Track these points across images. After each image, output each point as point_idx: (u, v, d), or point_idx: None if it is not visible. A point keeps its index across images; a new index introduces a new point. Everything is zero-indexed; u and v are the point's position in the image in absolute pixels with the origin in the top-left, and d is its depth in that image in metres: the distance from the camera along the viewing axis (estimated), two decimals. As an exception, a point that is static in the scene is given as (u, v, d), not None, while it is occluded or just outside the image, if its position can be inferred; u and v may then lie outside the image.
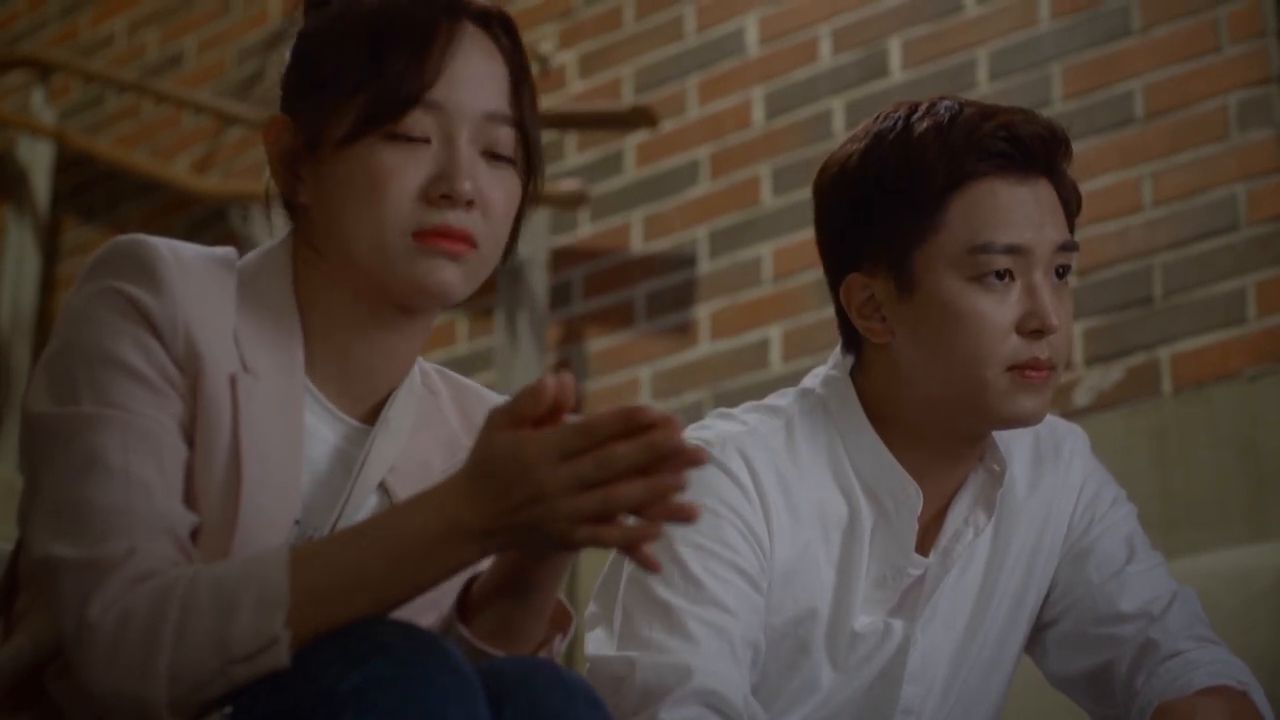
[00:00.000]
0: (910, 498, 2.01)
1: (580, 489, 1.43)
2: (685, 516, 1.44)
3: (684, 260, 4.24)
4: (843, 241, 2.03)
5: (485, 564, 1.62)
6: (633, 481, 1.43)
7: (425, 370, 1.79)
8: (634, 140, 4.38)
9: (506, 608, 1.62)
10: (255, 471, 1.60)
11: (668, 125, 4.32)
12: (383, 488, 1.70)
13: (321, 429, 1.68)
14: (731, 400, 2.52)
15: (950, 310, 1.95)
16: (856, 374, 2.05)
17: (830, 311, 2.08)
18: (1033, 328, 1.95)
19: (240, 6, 5.35)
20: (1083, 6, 3.80)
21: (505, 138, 1.68)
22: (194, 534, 1.57)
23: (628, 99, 4.41)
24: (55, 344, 1.62)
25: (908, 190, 1.96)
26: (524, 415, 1.45)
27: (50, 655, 1.59)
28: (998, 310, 1.95)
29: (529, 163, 1.71)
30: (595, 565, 2.17)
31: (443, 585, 1.54)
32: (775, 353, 4.03)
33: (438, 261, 1.64)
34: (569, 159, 4.47)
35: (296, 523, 1.64)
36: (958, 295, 1.95)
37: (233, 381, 1.62)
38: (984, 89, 3.84)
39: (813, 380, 2.09)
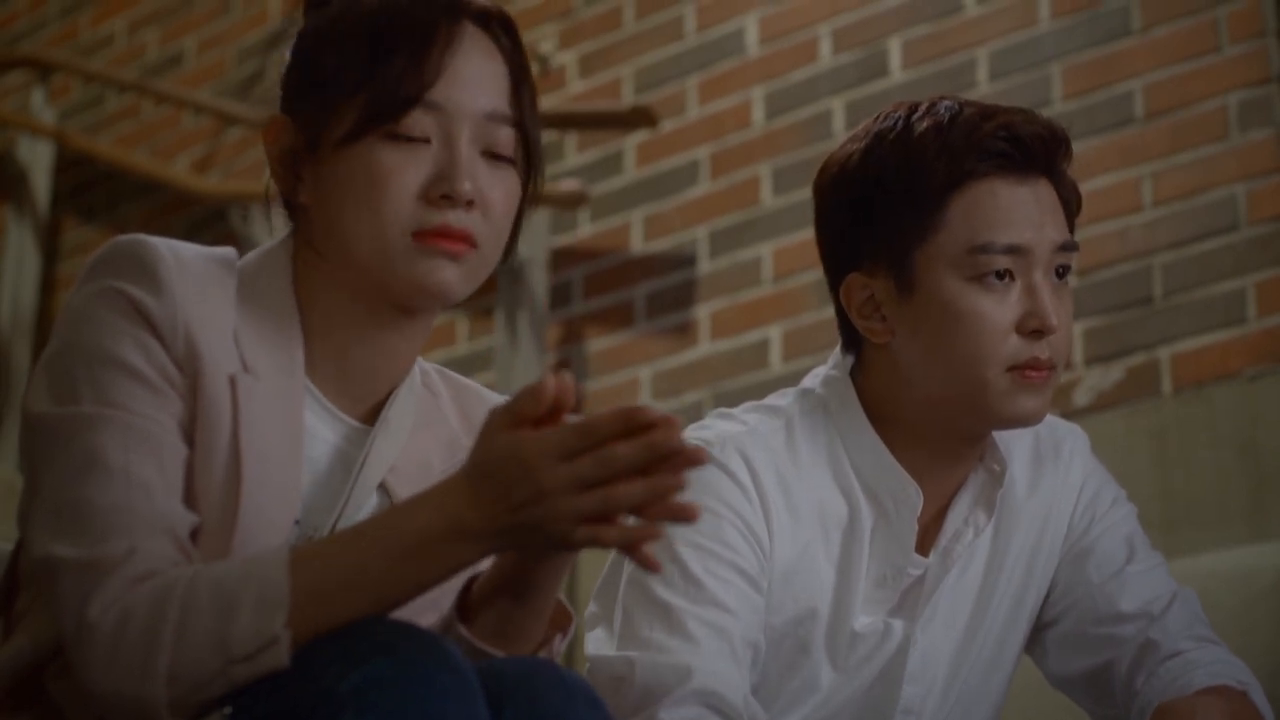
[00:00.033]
0: (910, 498, 2.01)
1: (580, 489, 1.43)
2: (685, 516, 1.45)
3: (684, 260, 4.24)
4: (843, 241, 2.03)
5: (485, 564, 1.62)
6: (632, 482, 1.43)
7: (425, 370, 1.79)
8: (634, 140, 4.38)
9: (506, 608, 1.62)
10: (255, 471, 1.60)
11: (668, 125, 4.32)
12: (383, 488, 1.70)
13: (321, 429, 1.68)
14: (731, 400, 2.53)
15: (950, 310, 1.95)
16: (856, 374, 2.05)
17: (830, 311, 2.08)
18: (1033, 328, 1.95)
19: (240, 6, 5.35)
20: (1083, 6, 3.81)
21: (505, 138, 1.68)
22: (194, 534, 1.57)
23: (628, 99, 4.41)
24: (55, 344, 1.62)
25: (908, 190, 1.96)
26: (524, 415, 1.45)
27: (50, 655, 1.59)
28: (998, 310, 1.95)
29: (529, 163, 1.71)
30: (595, 565, 2.17)
31: (443, 585, 1.54)
32: (775, 353, 4.03)
33: (437, 261, 1.64)
34: (569, 159, 4.47)
35: (296, 523, 1.64)
36: (958, 295, 1.95)
37: (232, 381, 1.62)
38: (984, 89, 3.84)
39: (813, 380, 2.09)
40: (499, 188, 1.67)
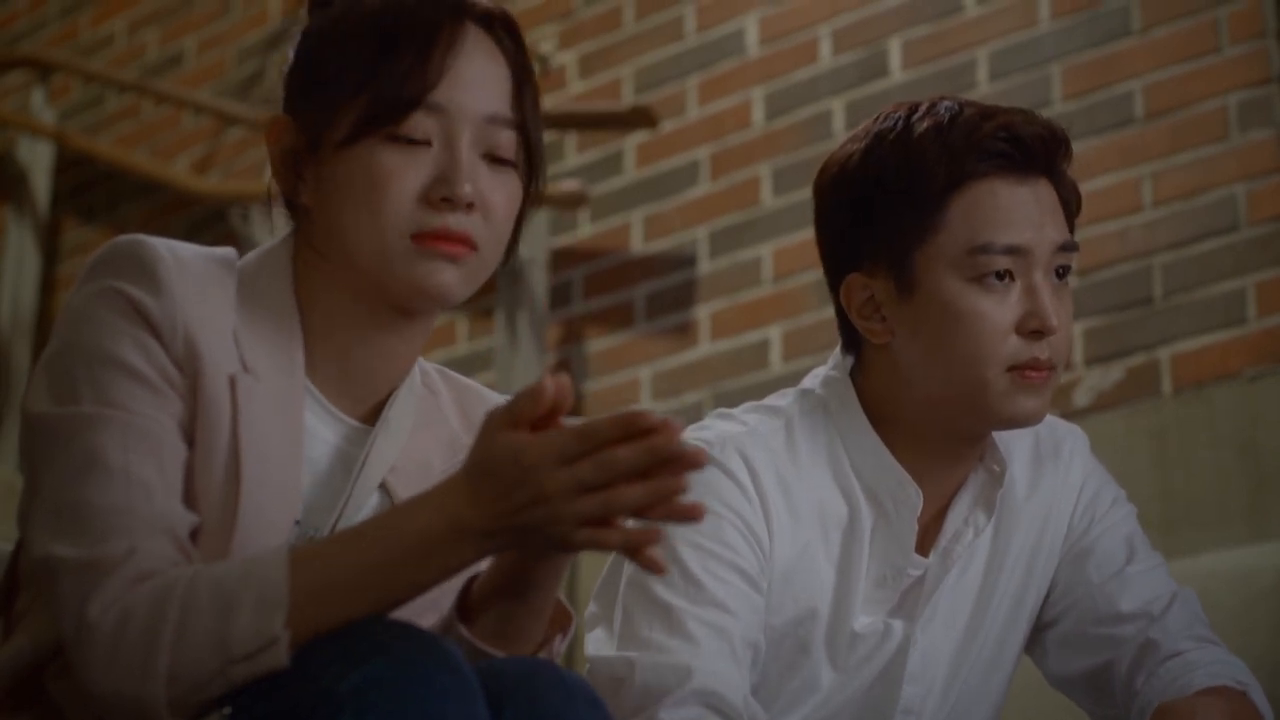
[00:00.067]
0: (910, 498, 2.01)
1: (580, 492, 1.43)
2: (689, 517, 1.45)
3: (684, 260, 4.24)
4: (843, 241, 2.03)
5: (485, 564, 1.62)
6: (633, 485, 1.43)
7: (425, 370, 1.79)
8: (634, 140, 4.38)
9: (506, 608, 1.62)
10: (255, 471, 1.60)
11: (668, 125, 4.32)
12: (383, 488, 1.70)
13: (321, 429, 1.68)
14: (731, 400, 2.52)
15: (950, 310, 1.95)
16: (856, 374, 2.05)
17: (830, 312, 2.08)
18: (1033, 328, 1.95)
19: (240, 6, 5.35)
20: (1083, 6, 3.81)
21: (507, 140, 1.68)
22: (194, 534, 1.57)
23: (628, 99, 4.41)
24: (55, 344, 1.62)
25: (908, 190, 1.96)
26: (523, 416, 1.45)
27: (50, 655, 1.59)
28: (998, 310, 1.95)
29: (530, 165, 1.71)
30: (595, 565, 2.17)
31: (443, 585, 1.54)
32: (775, 353, 4.03)
33: (437, 264, 1.64)
34: (569, 159, 4.47)
35: (297, 523, 1.64)
36: (958, 295, 1.95)
37: (232, 382, 1.62)
38: (984, 89, 3.84)
39: (812, 381, 2.09)
40: (500, 190, 1.67)
